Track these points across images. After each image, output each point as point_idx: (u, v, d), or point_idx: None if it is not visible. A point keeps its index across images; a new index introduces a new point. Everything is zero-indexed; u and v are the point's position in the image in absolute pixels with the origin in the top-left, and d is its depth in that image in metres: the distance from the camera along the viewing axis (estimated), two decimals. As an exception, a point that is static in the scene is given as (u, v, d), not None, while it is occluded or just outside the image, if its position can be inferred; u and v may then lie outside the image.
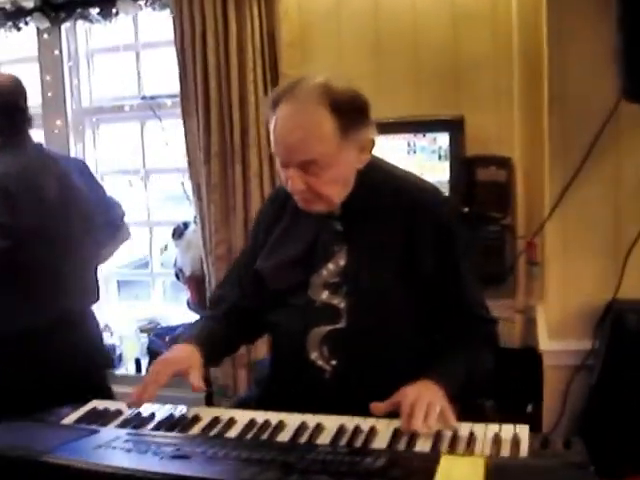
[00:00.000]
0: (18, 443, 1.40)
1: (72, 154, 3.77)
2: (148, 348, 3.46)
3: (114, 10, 3.47)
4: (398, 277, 1.66)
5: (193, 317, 3.25)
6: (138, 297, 4.38)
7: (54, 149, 3.22)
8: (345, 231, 1.73)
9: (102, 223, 2.62)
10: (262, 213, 1.94)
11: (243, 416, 1.57)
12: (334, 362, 1.68)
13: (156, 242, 3.92)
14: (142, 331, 3.59)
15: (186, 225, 3.48)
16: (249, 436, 1.48)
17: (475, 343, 1.70)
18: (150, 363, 3.41)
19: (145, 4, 3.37)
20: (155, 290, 3.98)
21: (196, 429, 1.53)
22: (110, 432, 1.50)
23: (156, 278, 3.99)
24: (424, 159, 2.77)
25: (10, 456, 1.34)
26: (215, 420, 1.56)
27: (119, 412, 1.64)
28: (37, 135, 3.96)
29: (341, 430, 1.46)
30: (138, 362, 3.49)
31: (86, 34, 3.78)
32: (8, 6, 3.62)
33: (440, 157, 2.75)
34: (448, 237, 1.69)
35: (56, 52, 3.72)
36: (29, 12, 3.59)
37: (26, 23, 3.63)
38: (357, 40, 2.90)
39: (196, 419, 1.57)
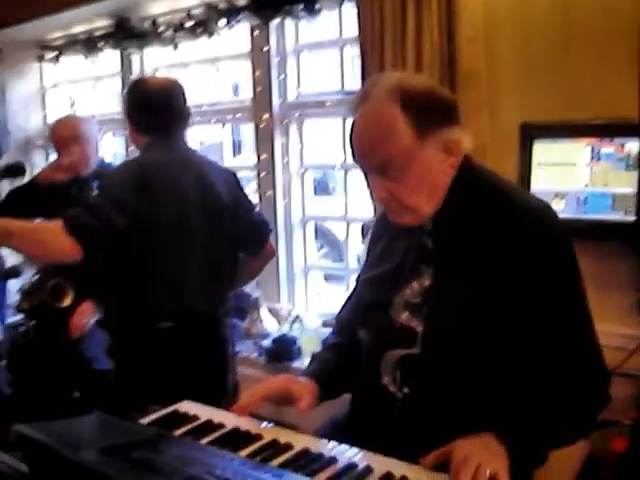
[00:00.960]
0: (63, 435, 1.43)
1: (277, 148, 3.88)
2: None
3: (317, 6, 3.50)
4: (487, 304, 1.45)
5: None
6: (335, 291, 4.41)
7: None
8: (435, 248, 1.56)
9: (245, 239, 2.62)
10: (371, 231, 1.82)
11: (299, 443, 1.47)
12: (406, 390, 1.52)
13: (353, 238, 3.91)
14: (325, 325, 3.60)
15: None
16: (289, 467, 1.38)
17: (570, 399, 1.44)
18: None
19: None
20: (349, 285, 3.97)
21: (247, 450, 1.46)
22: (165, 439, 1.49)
23: (352, 274, 3.98)
24: (609, 168, 2.42)
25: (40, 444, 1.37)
26: (271, 444, 1.48)
27: (195, 417, 1.64)
28: (247, 128, 4.16)
29: (386, 476, 1.32)
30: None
31: (295, 30, 3.85)
32: (222, 5, 3.80)
33: (628, 166, 2.39)
34: (550, 262, 1.45)
35: (265, 48, 3.83)
36: (241, 10, 3.74)
37: (238, 21, 3.79)
38: (546, 33, 2.60)
39: (257, 438, 1.51)
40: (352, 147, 1.54)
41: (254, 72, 3.90)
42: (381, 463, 1.36)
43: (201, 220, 2.43)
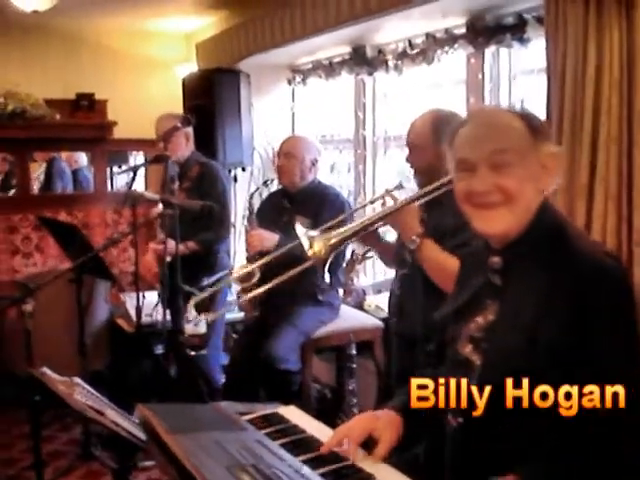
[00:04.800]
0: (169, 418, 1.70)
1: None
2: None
3: (526, 36, 3.52)
4: (544, 347, 1.47)
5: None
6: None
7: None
8: (503, 286, 1.62)
9: None
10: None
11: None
12: (460, 420, 1.61)
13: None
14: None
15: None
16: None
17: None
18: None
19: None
20: None
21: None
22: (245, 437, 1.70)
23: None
24: None
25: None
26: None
27: (284, 420, 1.85)
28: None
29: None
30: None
31: (509, 58, 3.88)
32: (439, 34, 3.95)
33: None
34: (607, 321, 1.45)
35: (479, 75, 3.91)
36: (457, 38, 3.87)
37: (455, 49, 3.91)
38: None
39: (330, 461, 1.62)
40: (461, 143, 1.61)
41: (468, 99, 4.00)
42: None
43: None
